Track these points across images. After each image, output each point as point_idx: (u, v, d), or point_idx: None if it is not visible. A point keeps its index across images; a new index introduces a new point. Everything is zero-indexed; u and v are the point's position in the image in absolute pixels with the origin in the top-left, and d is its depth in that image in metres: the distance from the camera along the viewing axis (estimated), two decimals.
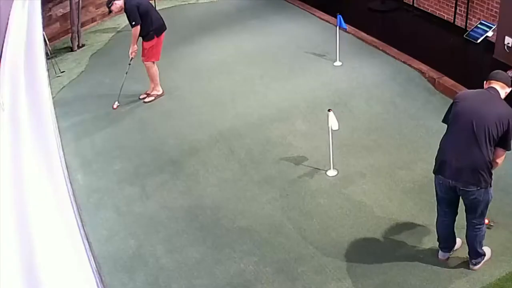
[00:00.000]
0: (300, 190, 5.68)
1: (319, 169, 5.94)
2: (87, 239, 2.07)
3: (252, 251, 5.00)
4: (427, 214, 5.12)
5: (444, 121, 4.39)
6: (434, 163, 4.35)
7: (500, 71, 4.41)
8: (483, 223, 4.37)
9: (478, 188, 4.13)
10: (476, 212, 4.28)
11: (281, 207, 5.48)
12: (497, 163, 4.20)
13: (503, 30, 7.15)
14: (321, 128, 6.49)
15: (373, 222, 5.15)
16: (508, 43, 7.11)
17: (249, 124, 6.90)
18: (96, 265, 1.96)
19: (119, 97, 7.68)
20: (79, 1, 9.86)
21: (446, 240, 4.58)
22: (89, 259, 1.96)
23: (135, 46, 7.51)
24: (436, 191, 4.42)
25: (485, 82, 4.32)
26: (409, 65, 7.67)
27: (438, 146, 4.35)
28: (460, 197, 4.32)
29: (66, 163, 2.53)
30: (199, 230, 5.32)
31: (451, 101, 6.85)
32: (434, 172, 4.34)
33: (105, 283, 2.02)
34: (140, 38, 7.54)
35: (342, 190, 5.60)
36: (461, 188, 4.17)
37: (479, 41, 7.72)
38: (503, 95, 4.23)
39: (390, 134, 6.39)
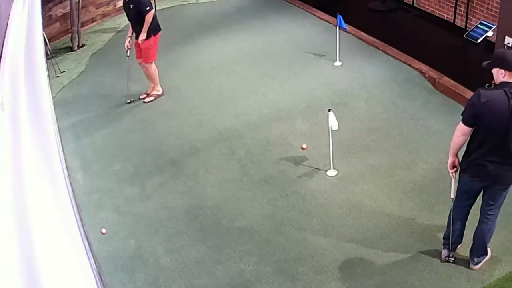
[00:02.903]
0: (300, 190, 5.68)
1: (319, 169, 5.94)
2: (87, 239, 2.07)
3: (252, 251, 5.00)
4: (427, 214, 5.13)
5: (465, 118, 4.10)
6: (462, 161, 4.28)
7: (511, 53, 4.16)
8: (497, 216, 4.39)
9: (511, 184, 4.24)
10: (497, 202, 4.30)
11: (281, 207, 5.48)
12: None
13: (503, 30, 7.14)
14: (321, 128, 6.49)
15: (373, 222, 5.15)
16: (508, 43, 7.10)
17: (249, 124, 6.90)
18: (96, 265, 1.96)
19: (128, 93, 7.79)
20: (79, 1, 9.86)
21: (457, 235, 4.55)
22: (89, 259, 1.96)
23: (145, 33, 7.37)
24: (465, 188, 4.35)
25: (504, 71, 3.95)
26: (409, 65, 7.67)
27: (466, 150, 4.23)
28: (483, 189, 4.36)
29: (66, 163, 2.53)
30: (199, 230, 5.32)
31: (451, 101, 6.90)
32: (468, 175, 4.25)
33: (105, 283, 2.01)
34: (135, 40, 7.49)
35: (342, 190, 5.60)
36: (497, 186, 4.22)
37: (479, 41, 7.71)
38: None
39: (390, 134, 6.39)
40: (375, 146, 6.22)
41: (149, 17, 7.26)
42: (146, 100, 7.73)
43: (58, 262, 1.87)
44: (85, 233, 2.09)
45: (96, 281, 1.88)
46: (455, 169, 4.34)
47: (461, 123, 4.13)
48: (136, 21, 7.35)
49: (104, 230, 5.35)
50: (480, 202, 4.44)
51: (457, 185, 4.43)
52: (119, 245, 5.26)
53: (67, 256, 1.94)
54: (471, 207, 4.48)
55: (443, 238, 4.65)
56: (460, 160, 4.32)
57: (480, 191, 4.37)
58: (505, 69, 3.95)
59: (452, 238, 4.56)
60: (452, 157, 4.29)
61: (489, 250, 4.57)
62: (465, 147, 4.28)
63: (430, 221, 5.05)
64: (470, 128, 4.10)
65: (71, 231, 2.07)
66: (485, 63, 4.15)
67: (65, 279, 1.84)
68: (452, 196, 4.48)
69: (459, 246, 4.66)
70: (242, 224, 5.34)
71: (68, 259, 1.92)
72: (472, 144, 4.18)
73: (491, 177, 4.18)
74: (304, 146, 6.26)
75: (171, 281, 4.78)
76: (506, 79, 3.96)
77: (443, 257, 4.63)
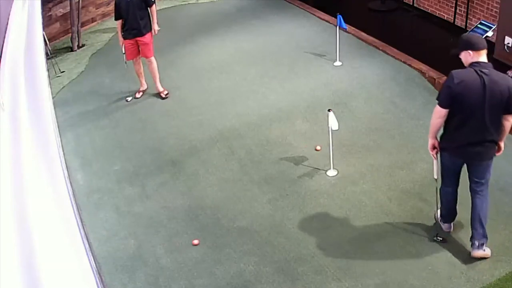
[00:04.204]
0: (300, 190, 5.68)
1: (319, 169, 5.94)
2: (87, 239, 2.07)
3: (252, 251, 5.00)
4: (427, 214, 5.13)
5: (442, 101, 4.33)
6: (442, 141, 4.50)
7: (476, 35, 4.59)
8: (487, 191, 4.56)
9: (491, 158, 4.46)
10: (483, 178, 4.50)
11: (281, 207, 5.48)
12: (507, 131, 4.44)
13: (503, 30, 7.15)
14: (321, 128, 6.49)
15: (373, 222, 5.15)
16: (508, 43, 7.11)
17: (249, 124, 6.90)
18: (96, 265, 1.96)
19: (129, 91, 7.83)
20: (79, 1, 9.87)
21: (452, 211, 4.75)
22: (89, 259, 1.95)
23: (156, 24, 7.58)
24: (447, 165, 4.57)
25: (471, 52, 4.23)
26: (409, 65, 7.67)
27: (445, 130, 4.46)
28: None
29: (66, 163, 2.53)
30: (199, 230, 5.32)
31: None
32: (448, 153, 4.49)
33: (105, 283, 2.01)
34: (131, 39, 7.50)
35: (342, 190, 5.60)
36: (478, 162, 4.45)
37: None
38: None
39: (390, 134, 6.39)
40: (375, 146, 6.22)
41: (154, 8, 7.46)
42: (163, 96, 7.69)
43: (58, 262, 1.87)
44: (85, 233, 2.09)
45: (96, 281, 1.88)
46: (435, 150, 4.57)
47: (437, 106, 4.37)
48: (141, 14, 7.35)
49: (196, 241, 5.16)
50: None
51: (439, 165, 4.66)
52: (119, 245, 5.26)
53: (67, 256, 1.94)
54: (458, 185, 4.67)
55: (440, 216, 4.86)
56: (439, 141, 4.55)
57: (463, 165, 4.56)
58: (472, 49, 4.25)
59: (450, 215, 4.79)
60: (432, 139, 4.53)
61: (488, 249, 4.58)
62: (442, 130, 4.52)
63: (430, 221, 5.05)
64: (447, 110, 4.32)
65: (71, 231, 2.06)
66: (453, 50, 4.41)
67: (65, 279, 1.84)
68: (435, 176, 4.74)
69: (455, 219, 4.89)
70: (242, 224, 5.33)
71: (68, 259, 1.92)
72: (450, 125, 4.39)
73: (472, 155, 4.41)
74: (318, 147, 6.23)
75: (171, 281, 4.78)
76: (474, 59, 4.25)
77: (446, 230, 4.83)
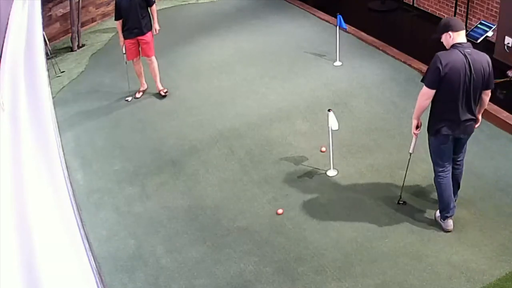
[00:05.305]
0: (300, 190, 5.68)
1: (319, 169, 5.94)
2: (87, 239, 2.07)
3: (252, 251, 5.00)
4: (427, 214, 5.13)
5: (429, 82, 4.47)
6: (431, 125, 4.68)
7: (453, 18, 4.77)
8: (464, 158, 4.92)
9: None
10: (463, 148, 4.82)
11: (281, 207, 5.48)
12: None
13: (503, 30, 7.15)
14: (321, 128, 6.49)
15: (373, 222, 5.14)
16: (508, 43, 7.11)
17: (249, 124, 6.90)
18: (96, 265, 1.96)
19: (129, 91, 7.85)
20: (79, 1, 9.87)
21: (450, 199, 4.79)
22: (89, 259, 1.95)
23: (157, 24, 7.65)
24: (442, 148, 4.69)
25: (451, 33, 4.37)
26: (409, 65, 7.67)
27: (434, 113, 4.63)
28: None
29: (66, 163, 2.53)
30: (199, 230, 5.32)
31: None
32: (441, 134, 4.61)
33: (105, 283, 2.01)
34: (132, 39, 7.52)
35: (342, 190, 5.60)
36: (467, 137, 4.71)
37: (479, 41, 7.71)
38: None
39: (390, 134, 6.39)
40: (375, 146, 6.22)
41: (155, 8, 7.54)
42: (163, 93, 7.72)
43: (58, 262, 1.87)
44: (85, 233, 2.09)
45: (96, 281, 1.88)
46: (418, 129, 4.84)
47: (425, 87, 4.53)
48: (142, 13, 7.39)
49: (280, 210, 5.37)
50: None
51: (416, 141, 4.94)
52: (119, 245, 5.26)
53: (67, 256, 1.94)
54: (451, 168, 4.80)
55: (440, 213, 4.89)
56: (428, 128, 4.75)
57: (453, 144, 4.71)
58: (452, 31, 4.40)
59: (451, 207, 4.81)
60: (416, 120, 4.79)
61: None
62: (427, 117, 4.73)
63: (431, 221, 5.05)
64: (434, 91, 4.47)
65: (71, 231, 2.06)
66: (433, 35, 4.55)
67: (65, 279, 1.84)
68: (411, 151, 5.06)
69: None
70: (242, 224, 5.33)
71: (68, 259, 1.92)
72: (439, 107, 4.55)
73: (465, 131, 4.61)
74: (324, 149, 6.21)
75: (171, 281, 4.78)
76: (455, 40, 4.40)
77: (447, 228, 4.85)
